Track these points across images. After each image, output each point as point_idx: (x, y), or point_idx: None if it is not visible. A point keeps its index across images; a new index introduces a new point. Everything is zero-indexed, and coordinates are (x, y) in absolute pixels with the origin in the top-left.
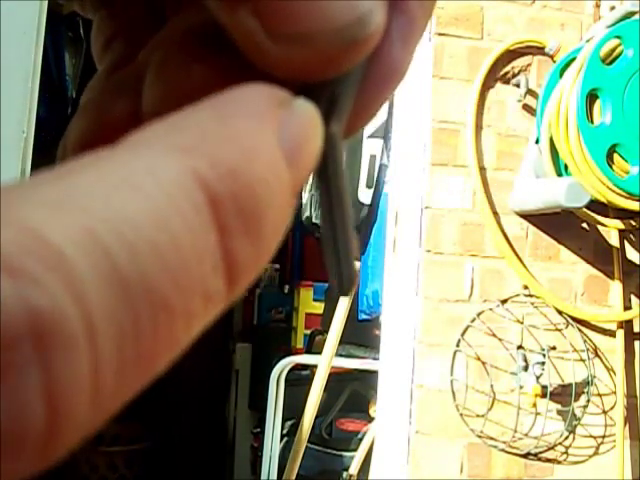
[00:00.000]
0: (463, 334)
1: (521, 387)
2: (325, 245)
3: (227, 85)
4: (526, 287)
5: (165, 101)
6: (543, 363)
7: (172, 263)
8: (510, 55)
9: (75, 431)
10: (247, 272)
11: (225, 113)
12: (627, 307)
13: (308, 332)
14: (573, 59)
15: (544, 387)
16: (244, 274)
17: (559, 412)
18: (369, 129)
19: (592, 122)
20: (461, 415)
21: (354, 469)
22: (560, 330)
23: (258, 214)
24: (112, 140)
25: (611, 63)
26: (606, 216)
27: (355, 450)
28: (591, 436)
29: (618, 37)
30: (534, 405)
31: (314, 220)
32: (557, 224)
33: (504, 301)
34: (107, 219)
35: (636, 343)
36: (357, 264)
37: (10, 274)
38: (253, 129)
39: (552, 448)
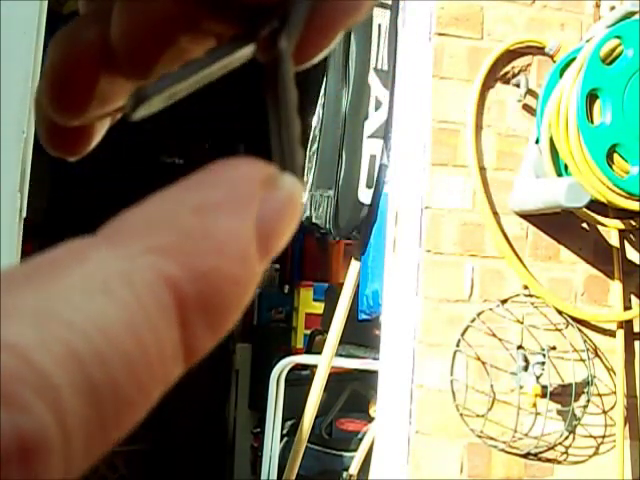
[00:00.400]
0: (463, 334)
1: (521, 387)
2: (273, 156)
3: (190, 14)
4: (526, 287)
5: (131, 29)
6: (543, 363)
7: (138, 366)
8: (510, 55)
9: None
10: (203, 351)
11: (208, 203)
12: (627, 307)
13: (308, 332)
14: (573, 59)
15: (544, 387)
16: (202, 353)
17: (559, 412)
18: (369, 129)
19: (592, 122)
20: (461, 415)
21: (354, 469)
22: (560, 330)
23: (222, 309)
24: (82, 68)
25: (611, 63)
26: (606, 216)
27: (355, 450)
28: (591, 436)
29: (618, 37)
30: (534, 405)
31: (314, 220)
32: (557, 224)
33: (504, 301)
34: (85, 331)
35: (636, 343)
36: (303, 182)
37: (4, 402)
38: (233, 224)
39: (552, 448)
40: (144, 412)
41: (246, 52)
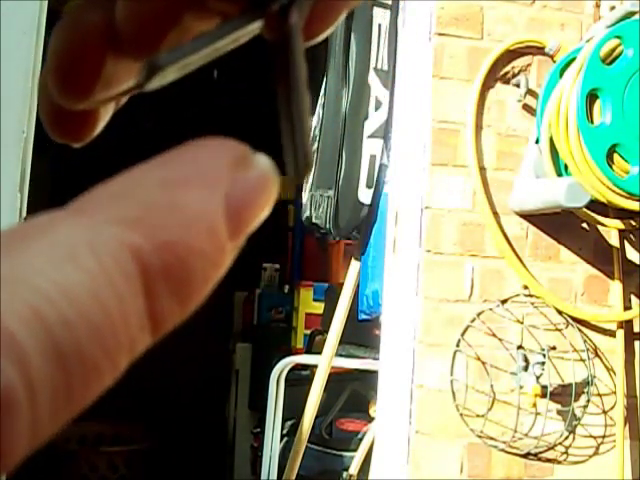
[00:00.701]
0: (463, 334)
1: (521, 387)
2: (283, 132)
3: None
4: (526, 287)
5: (136, 9)
6: (543, 363)
7: (102, 331)
8: (510, 55)
9: (14, 461)
10: (171, 323)
11: (175, 178)
12: (627, 307)
13: (308, 332)
14: (573, 59)
15: (544, 387)
16: (168, 325)
17: (559, 412)
18: (369, 129)
19: (592, 122)
20: (461, 415)
21: (354, 469)
22: (560, 330)
23: (188, 281)
24: (88, 51)
25: (611, 63)
26: (606, 216)
27: (355, 450)
28: (591, 436)
29: (618, 37)
30: (534, 405)
31: (314, 220)
32: (557, 224)
33: (504, 301)
34: (50, 297)
35: (636, 343)
36: (311, 151)
37: None
38: (200, 198)
39: (552, 448)
40: (110, 380)
41: (255, 27)
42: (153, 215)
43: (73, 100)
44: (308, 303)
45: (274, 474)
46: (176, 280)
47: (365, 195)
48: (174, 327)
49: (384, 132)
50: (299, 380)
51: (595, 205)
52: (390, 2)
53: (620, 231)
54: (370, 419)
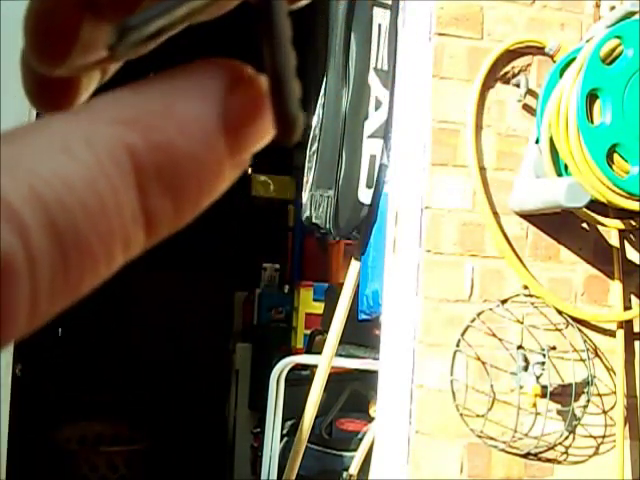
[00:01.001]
0: (463, 334)
1: (521, 387)
2: (271, 95)
3: None
4: (526, 287)
5: None
6: (543, 363)
7: (96, 216)
8: (510, 55)
9: (14, 333)
10: (166, 225)
11: (174, 89)
12: (627, 307)
13: (308, 332)
14: (573, 59)
15: (544, 387)
16: (163, 226)
17: (559, 412)
18: (369, 129)
19: (592, 122)
20: (461, 415)
21: (354, 469)
22: (560, 330)
23: (180, 182)
24: (63, 12)
25: (611, 63)
26: (606, 216)
27: (355, 450)
28: (591, 436)
29: (618, 37)
30: (534, 405)
31: (314, 220)
32: (557, 224)
33: (504, 301)
34: (48, 180)
35: (636, 343)
36: (301, 116)
37: None
38: (197, 107)
39: (552, 448)
40: (105, 271)
41: None
42: (150, 118)
43: (50, 65)
44: (308, 303)
45: (274, 474)
46: (168, 179)
47: (365, 195)
48: (169, 232)
49: (384, 132)
50: (299, 380)
51: (595, 205)
52: (390, 2)
53: (620, 231)
54: (370, 419)
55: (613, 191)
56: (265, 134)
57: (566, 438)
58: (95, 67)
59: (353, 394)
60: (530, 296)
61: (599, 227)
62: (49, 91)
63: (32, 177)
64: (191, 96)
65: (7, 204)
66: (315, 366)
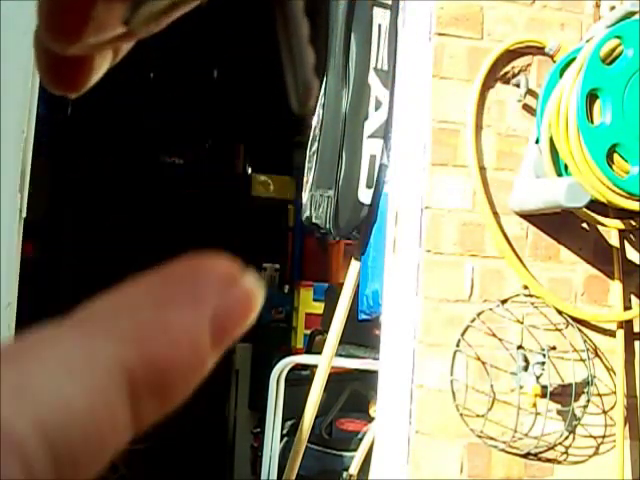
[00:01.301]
0: (463, 334)
1: (521, 387)
2: (284, 64)
3: None
4: (526, 287)
5: None
6: (543, 363)
7: (92, 437)
8: (510, 55)
9: None
10: (153, 420)
11: (167, 297)
12: (627, 307)
13: (308, 332)
14: (573, 59)
15: (544, 387)
16: (150, 422)
17: (559, 412)
18: (369, 129)
19: (592, 122)
20: (461, 415)
21: (354, 469)
22: (560, 330)
23: (170, 389)
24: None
25: (611, 63)
26: (606, 216)
27: (355, 450)
28: (591, 436)
29: (618, 37)
30: (534, 405)
31: (314, 220)
32: (557, 224)
33: (504, 301)
34: (51, 409)
35: (636, 343)
36: (314, 87)
37: None
38: (188, 317)
39: (552, 448)
40: (100, 467)
41: None
42: (145, 334)
43: (64, 42)
44: (308, 303)
45: (274, 474)
46: (159, 388)
47: (365, 195)
48: (155, 420)
49: (384, 132)
50: (299, 380)
51: (595, 205)
52: (390, 2)
53: (620, 231)
54: (370, 419)
55: (613, 191)
56: (247, 324)
57: (566, 438)
58: (108, 46)
59: (353, 394)
60: (530, 296)
61: (599, 227)
62: (62, 71)
63: (38, 408)
64: (183, 305)
65: (17, 438)
66: (315, 366)
